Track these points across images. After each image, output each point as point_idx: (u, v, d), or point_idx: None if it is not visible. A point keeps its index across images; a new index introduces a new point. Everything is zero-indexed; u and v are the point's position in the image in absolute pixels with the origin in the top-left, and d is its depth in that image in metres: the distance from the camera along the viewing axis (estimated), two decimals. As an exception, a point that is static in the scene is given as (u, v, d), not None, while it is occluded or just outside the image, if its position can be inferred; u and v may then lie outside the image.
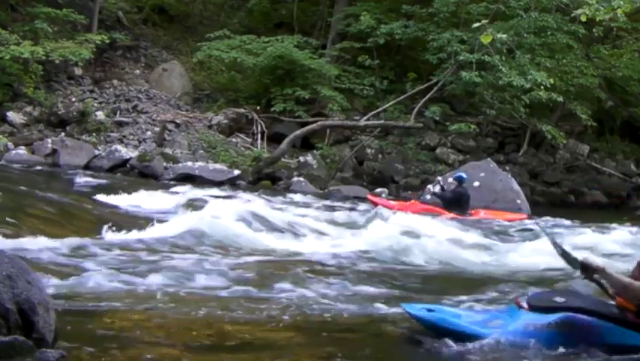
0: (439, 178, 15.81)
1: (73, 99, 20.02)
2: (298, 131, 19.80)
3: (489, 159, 18.30)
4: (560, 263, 5.80)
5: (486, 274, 8.98)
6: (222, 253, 9.07)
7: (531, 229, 12.83)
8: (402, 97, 20.86)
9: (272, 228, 11.09)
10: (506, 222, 14.14)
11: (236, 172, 17.91)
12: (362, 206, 15.40)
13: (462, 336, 5.28)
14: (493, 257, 10.21)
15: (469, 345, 5.23)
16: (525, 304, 5.39)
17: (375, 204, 15.07)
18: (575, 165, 21.96)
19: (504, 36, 12.78)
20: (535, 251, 9.98)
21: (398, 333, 5.79)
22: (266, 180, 18.24)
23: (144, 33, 24.32)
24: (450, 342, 5.26)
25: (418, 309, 5.59)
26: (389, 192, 18.19)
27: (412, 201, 15.50)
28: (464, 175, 15.21)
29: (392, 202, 15.31)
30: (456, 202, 14.71)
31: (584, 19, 9.35)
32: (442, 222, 12.96)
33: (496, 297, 7.32)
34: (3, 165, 16.39)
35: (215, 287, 7.01)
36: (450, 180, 16.15)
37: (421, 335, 5.47)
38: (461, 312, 5.74)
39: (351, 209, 14.59)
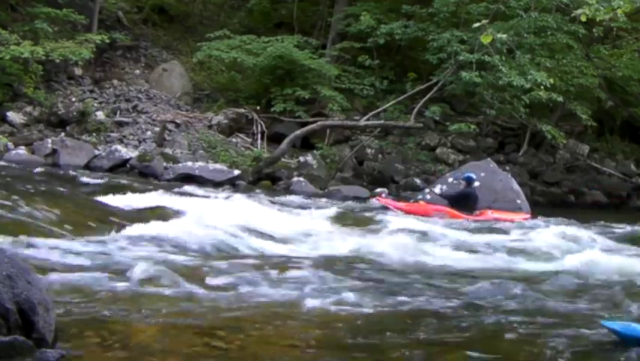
0: (438, 185, 15.78)
1: (73, 99, 20.01)
2: (298, 131, 19.78)
3: (489, 159, 18.26)
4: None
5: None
6: (223, 254, 9.07)
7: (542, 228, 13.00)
8: (402, 97, 20.83)
9: (271, 229, 11.05)
10: (519, 223, 14.21)
11: (236, 172, 17.90)
12: (365, 206, 15.36)
13: None
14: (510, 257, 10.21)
15: None
16: None
17: (383, 205, 15.06)
18: (575, 165, 21.96)
19: (504, 36, 12.74)
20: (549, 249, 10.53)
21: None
22: (266, 180, 18.22)
23: (144, 33, 24.30)
24: None
25: (618, 325, 6.03)
26: (389, 192, 18.17)
27: (420, 201, 15.48)
28: (473, 176, 15.22)
29: (400, 203, 15.30)
30: (463, 202, 14.75)
31: (584, 19, 9.34)
32: (454, 224, 12.99)
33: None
34: (3, 165, 16.36)
35: (217, 289, 6.99)
36: (450, 180, 16.16)
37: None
38: None
39: (353, 210, 14.55)
